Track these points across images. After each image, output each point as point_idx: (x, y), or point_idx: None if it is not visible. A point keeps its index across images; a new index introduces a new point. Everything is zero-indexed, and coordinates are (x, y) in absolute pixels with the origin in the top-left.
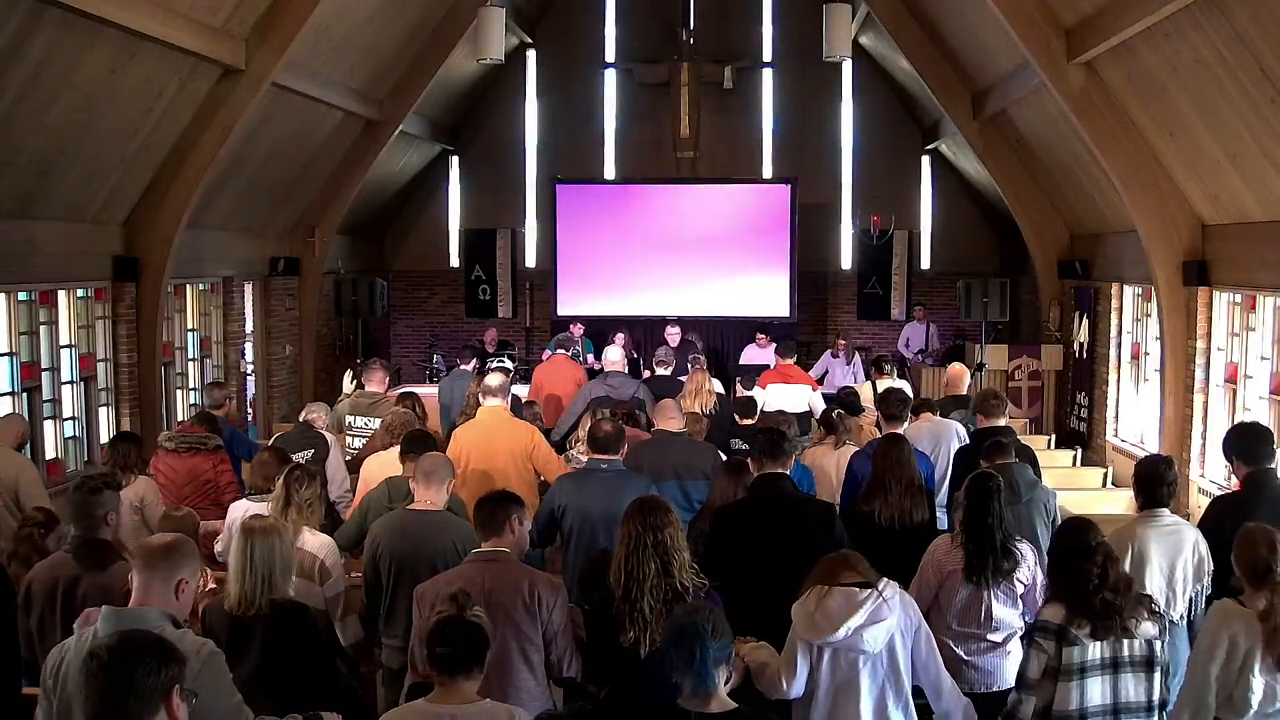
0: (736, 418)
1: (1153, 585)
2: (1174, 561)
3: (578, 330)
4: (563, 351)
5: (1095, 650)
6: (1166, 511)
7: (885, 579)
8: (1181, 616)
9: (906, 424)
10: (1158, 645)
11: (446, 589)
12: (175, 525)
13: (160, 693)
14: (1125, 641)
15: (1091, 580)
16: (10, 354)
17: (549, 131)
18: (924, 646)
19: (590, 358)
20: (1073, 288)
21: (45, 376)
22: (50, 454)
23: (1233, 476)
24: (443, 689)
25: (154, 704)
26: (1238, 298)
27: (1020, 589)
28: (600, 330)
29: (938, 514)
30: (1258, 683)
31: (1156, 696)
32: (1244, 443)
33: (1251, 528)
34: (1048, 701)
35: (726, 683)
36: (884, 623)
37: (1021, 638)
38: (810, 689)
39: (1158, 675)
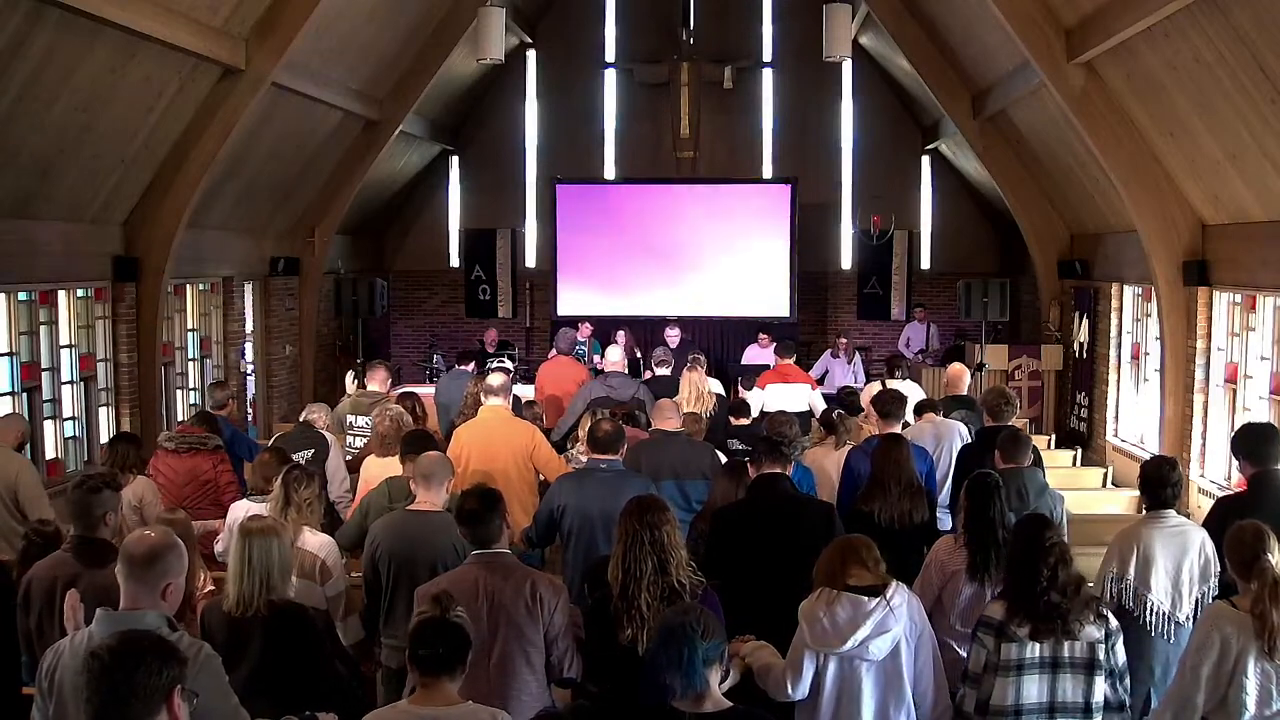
0: (731, 419)
1: (1158, 586)
2: (1180, 563)
3: (585, 331)
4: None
5: (1034, 649)
6: (1172, 512)
7: (895, 582)
8: (1188, 618)
9: (910, 424)
10: (1100, 649)
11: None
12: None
13: (162, 693)
14: (1066, 643)
15: (1040, 581)
16: (10, 354)
17: (549, 131)
18: (923, 654)
19: (597, 358)
20: (1073, 288)
21: (45, 376)
22: (50, 454)
23: (1235, 475)
24: (425, 690)
25: (156, 705)
26: (1238, 298)
27: None
28: (605, 330)
29: (939, 514)
30: (1251, 684)
31: (1096, 698)
32: (1252, 443)
33: (1241, 523)
34: (988, 695)
35: (722, 682)
36: (890, 632)
37: None
38: (813, 692)
39: (1098, 678)
